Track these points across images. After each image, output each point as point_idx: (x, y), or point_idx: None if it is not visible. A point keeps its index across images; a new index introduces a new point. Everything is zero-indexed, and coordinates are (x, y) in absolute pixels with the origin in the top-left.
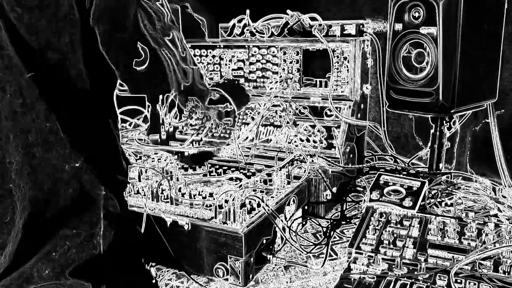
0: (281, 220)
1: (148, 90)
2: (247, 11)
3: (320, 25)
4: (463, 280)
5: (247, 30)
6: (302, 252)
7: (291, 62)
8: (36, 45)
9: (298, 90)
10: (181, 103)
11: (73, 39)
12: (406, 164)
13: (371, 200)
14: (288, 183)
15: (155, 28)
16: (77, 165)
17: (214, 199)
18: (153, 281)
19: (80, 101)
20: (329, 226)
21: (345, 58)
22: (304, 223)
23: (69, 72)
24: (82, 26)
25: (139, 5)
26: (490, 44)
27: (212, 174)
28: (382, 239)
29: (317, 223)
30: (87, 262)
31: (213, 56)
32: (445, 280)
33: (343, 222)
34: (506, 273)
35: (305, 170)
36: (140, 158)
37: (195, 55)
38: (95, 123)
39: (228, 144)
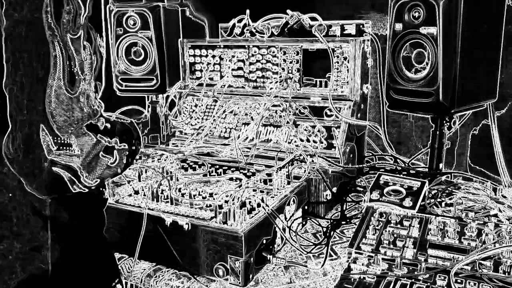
0: (281, 220)
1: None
2: (247, 11)
3: (320, 25)
4: (463, 280)
5: (247, 30)
6: (302, 252)
7: (291, 62)
8: None
9: (298, 90)
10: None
11: None
12: (406, 164)
13: (371, 200)
14: (288, 183)
15: (60, 18)
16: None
17: (214, 199)
18: None
19: None
20: (329, 226)
21: (345, 58)
22: (304, 223)
23: None
24: None
25: None
26: (490, 44)
27: (212, 174)
28: (382, 239)
29: (317, 223)
30: (34, 277)
31: (213, 56)
32: (445, 280)
33: (343, 222)
34: (506, 273)
35: (305, 170)
36: (140, 158)
37: (195, 55)
38: None
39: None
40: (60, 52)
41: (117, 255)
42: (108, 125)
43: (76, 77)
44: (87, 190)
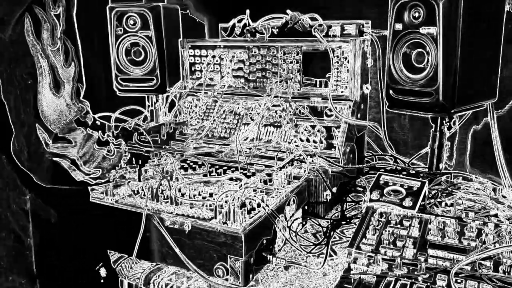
0: (281, 220)
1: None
2: (247, 11)
3: (320, 25)
4: (463, 280)
5: (247, 30)
6: (302, 252)
7: (291, 62)
8: None
9: (298, 90)
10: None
11: None
12: (406, 164)
13: (371, 200)
14: (288, 183)
15: (40, 35)
16: None
17: (214, 199)
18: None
19: None
20: (329, 226)
21: (345, 58)
22: (304, 223)
23: None
24: None
25: (28, 10)
26: (490, 44)
27: (212, 174)
28: (382, 239)
29: (317, 223)
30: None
31: (213, 57)
32: (445, 280)
33: (343, 222)
34: (506, 273)
35: (305, 170)
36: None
37: (195, 56)
38: None
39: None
40: (44, 63)
41: (116, 255)
42: (98, 122)
43: (60, 82)
44: (90, 178)
